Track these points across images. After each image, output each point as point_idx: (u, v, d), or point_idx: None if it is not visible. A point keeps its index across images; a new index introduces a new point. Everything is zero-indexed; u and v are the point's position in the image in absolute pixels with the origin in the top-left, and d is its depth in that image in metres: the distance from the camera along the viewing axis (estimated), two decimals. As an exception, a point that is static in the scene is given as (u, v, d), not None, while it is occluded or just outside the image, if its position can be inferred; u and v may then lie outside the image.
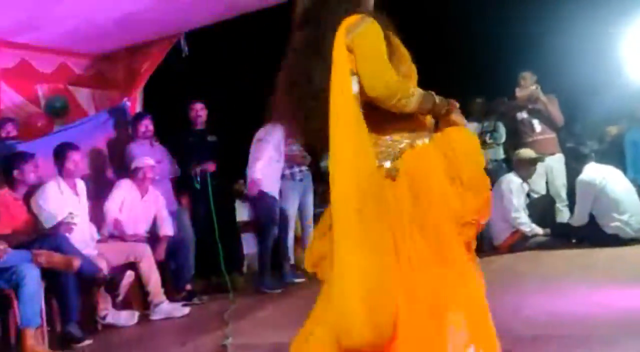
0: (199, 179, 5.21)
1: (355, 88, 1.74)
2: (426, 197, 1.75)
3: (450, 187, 1.77)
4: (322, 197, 6.40)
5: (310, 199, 5.74)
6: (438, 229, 1.74)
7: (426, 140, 1.84)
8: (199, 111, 5.45)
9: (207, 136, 5.43)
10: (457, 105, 1.91)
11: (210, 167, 5.26)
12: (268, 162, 4.97)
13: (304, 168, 5.57)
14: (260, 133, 5.06)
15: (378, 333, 1.65)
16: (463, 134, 1.88)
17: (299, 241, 5.76)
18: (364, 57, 1.75)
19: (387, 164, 1.80)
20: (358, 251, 1.68)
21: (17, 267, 3.47)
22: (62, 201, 4.15)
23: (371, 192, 1.70)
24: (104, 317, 4.16)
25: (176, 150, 5.38)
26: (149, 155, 4.90)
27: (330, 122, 1.74)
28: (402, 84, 1.76)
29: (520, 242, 5.45)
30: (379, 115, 1.78)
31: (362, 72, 1.75)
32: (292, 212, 5.45)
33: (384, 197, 1.73)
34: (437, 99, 1.84)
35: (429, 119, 1.91)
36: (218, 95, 6.11)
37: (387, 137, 1.82)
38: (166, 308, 4.30)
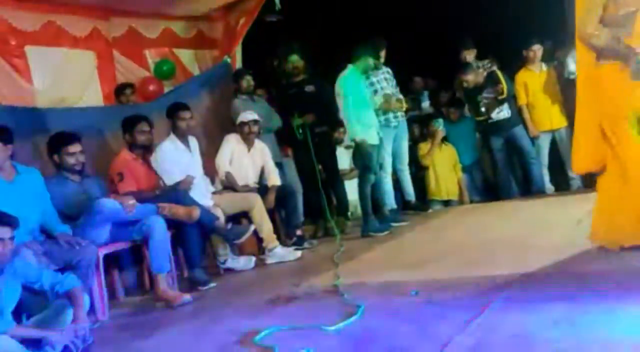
0: (300, 130, 5.38)
1: None
2: None
3: None
4: (420, 139, 6.39)
5: (404, 145, 5.76)
6: None
7: None
8: (295, 63, 5.55)
9: (305, 87, 5.54)
10: None
11: (309, 118, 5.40)
12: (356, 114, 5.00)
13: (399, 114, 5.56)
14: (339, 87, 5.06)
15: None
16: None
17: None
18: None
19: None
20: None
21: (145, 220, 3.81)
22: (178, 158, 4.46)
23: None
24: (224, 263, 4.51)
25: (277, 102, 5.55)
26: (252, 110, 5.10)
27: None
28: None
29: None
30: None
31: None
32: (387, 157, 5.50)
33: None
34: None
35: None
36: (313, 44, 6.18)
37: None
38: (279, 253, 4.57)
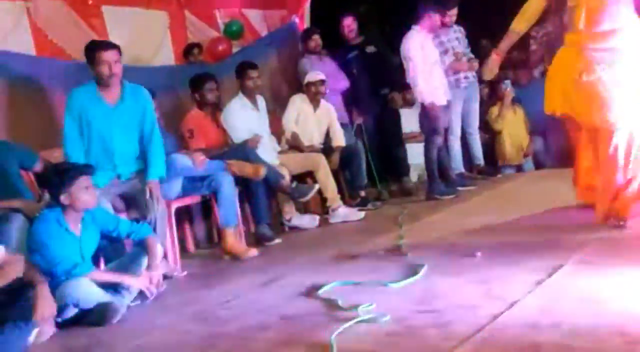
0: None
1: None
2: None
3: None
4: (488, 103, 6.18)
5: (475, 107, 5.60)
6: None
7: None
8: (350, 25, 5.48)
9: (366, 48, 5.47)
10: None
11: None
12: (423, 76, 4.86)
13: (469, 75, 5.39)
14: (404, 50, 4.92)
15: None
16: None
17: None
18: None
19: None
20: None
21: (214, 175, 3.92)
22: (246, 116, 4.53)
23: None
24: (289, 220, 4.59)
25: (340, 64, 5.52)
26: (319, 70, 5.09)
27: None
28: None
29: None
30: None
31: None
32: (455, 120, 5.37)
33: None
34: None
35: None
36: (379, 4, 6.05)
37: None
38: (343, 212, 4.60)
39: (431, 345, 1.89)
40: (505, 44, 3.51)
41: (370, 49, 5.45)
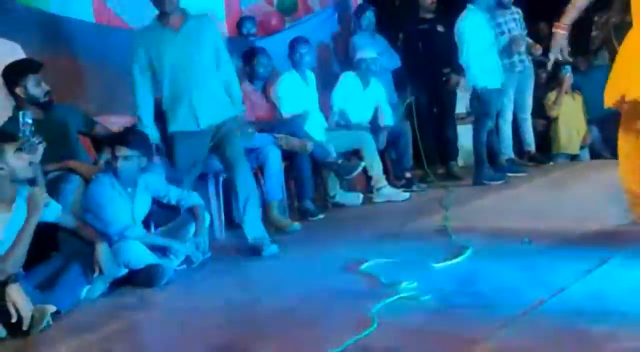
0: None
1: None
2: None
3: None
4: (546, 88, 5.99)
5: (528, 92, 5.45)
6: None
7: None
8: None
9: (436, 26, 5.37)
10: None
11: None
12: (477, 58, 4.73)
13: (525, 58, 5.23)
14: (459, 31, 4.80)
15: None
16: None
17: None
18: None
19: None
20: None
21: (262, 149, 3.96)
22: (296, 91, 4.54)
23: None
24: (333, 197, 4.61)
25: (403, 39, 5.42)
26: (371, 47, 5.03)
27: None
28: None
29: None
30: None
31: None
32: (507, 104, 5.23)
33: None
34: None
35: None
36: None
37: None
38: (387, 192, 4.58)
39: (473, 325, 1.88)
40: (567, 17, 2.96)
41: (441, 28, 5.34)
